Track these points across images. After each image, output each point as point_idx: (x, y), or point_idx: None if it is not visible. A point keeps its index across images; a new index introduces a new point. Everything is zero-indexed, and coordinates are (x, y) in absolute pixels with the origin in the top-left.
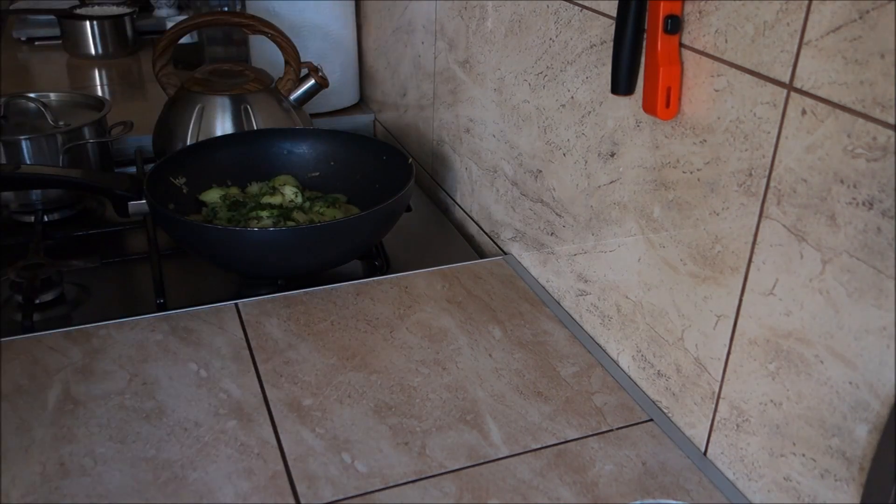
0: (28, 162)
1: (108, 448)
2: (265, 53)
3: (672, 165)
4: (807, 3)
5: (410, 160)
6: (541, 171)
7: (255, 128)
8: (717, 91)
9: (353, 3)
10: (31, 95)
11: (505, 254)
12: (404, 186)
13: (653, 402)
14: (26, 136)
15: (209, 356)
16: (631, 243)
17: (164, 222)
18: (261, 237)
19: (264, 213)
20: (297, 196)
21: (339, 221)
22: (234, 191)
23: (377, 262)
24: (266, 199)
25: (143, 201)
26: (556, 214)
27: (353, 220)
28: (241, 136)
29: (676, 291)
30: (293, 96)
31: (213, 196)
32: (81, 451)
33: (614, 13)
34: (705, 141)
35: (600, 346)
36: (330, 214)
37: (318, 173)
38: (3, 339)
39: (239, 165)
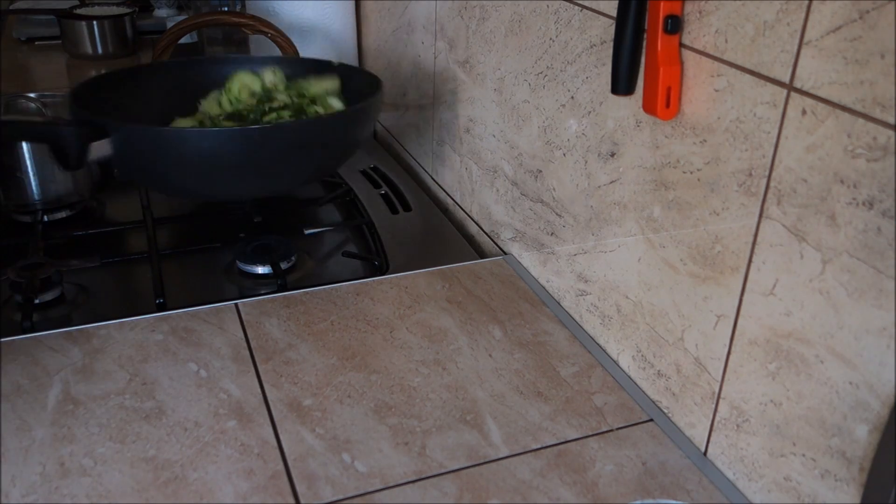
0: (28, 162)
1: (108, 448)
2: (265, 53)
3: (672, 165)
4: (807, 3)
5: (377, 78)
6: (541, 171)
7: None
8: (717, 91)
9: (353, 3)
10: (31, 95)
11: (505, 254)
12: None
13: (653, 402)
14: None
15: (209, 356)
16: (631, 243)
17: (127, 140)
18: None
19: (284, 113)
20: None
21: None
22: (201, 115)
23: (377, 262)
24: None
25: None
26: (556, 214)
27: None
28: (175, 64)
29: (676, 291)
30: None
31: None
32: (81, 451)
33: (614, 13)
34: (705, 141)
35: (600, 346)
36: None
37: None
38: (3, 339)
39: (174, 97)
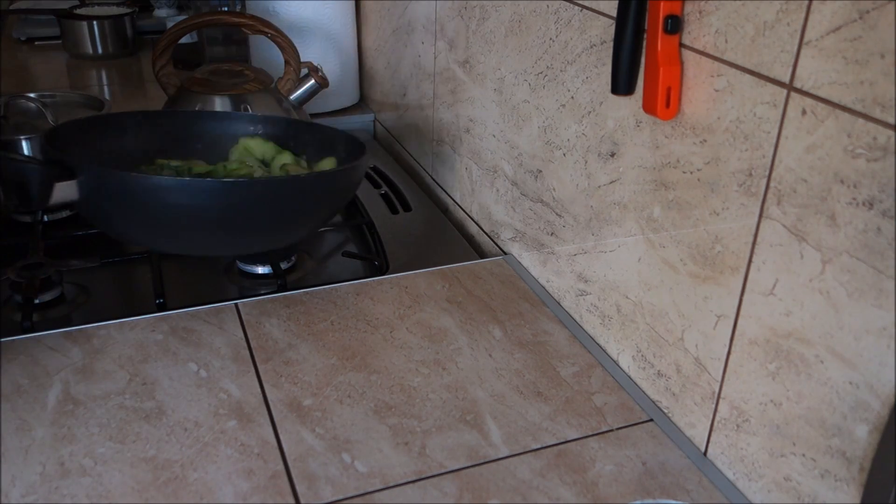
0: None
1: (108, 448)
2: (265, 53)
3: (672, 165)
4: (807, 3)
5: (361, 142)
6: (541, 171)
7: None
8: (717, 91)
9: (353, 3)
10: (31, 95)
11: (505, 254)
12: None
13: (653, 402)
14: (26, 136)
15: (209, 356)
16: (631, 243)
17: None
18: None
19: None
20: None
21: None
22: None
23: (377, 262)
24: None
25: (73, 181)
26: (556, 214)
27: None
28: (155, 115)
29: (676, 291)
30: (293, 96)
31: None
32: (81, 451)
33: (614, 13)
34: (705, 141)
35: (600, 346)
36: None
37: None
38: (3, 339)
39: (152, 149)
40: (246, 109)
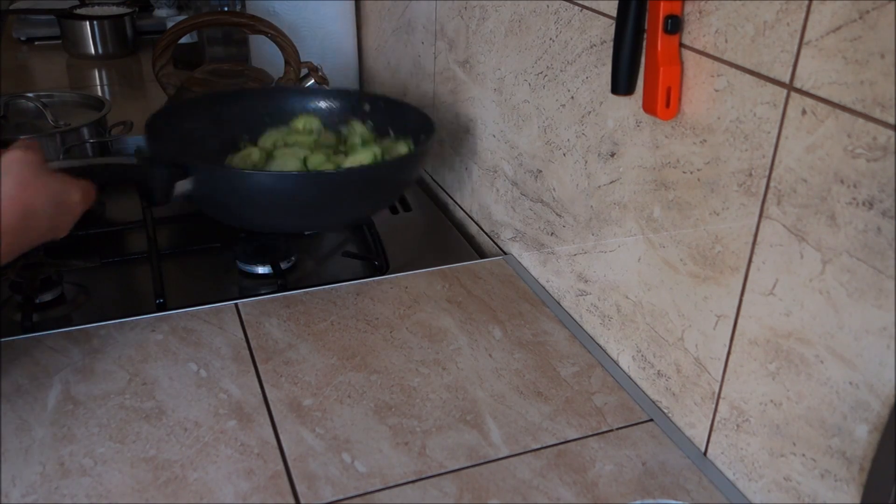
0: None
1: (108, 448)
2: (265, 53)
3: (672, 165)
4: (807, 3)
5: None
6: (541, 171)
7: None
8: (717, 91)
9: (353, 3)
10: (31, 95)
11: (505, 254)
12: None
13: (653, 402)
14: (26, 136)
15: (209, 356)
16: (631, 243)
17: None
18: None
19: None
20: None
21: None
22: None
23: (377, 262)
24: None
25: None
26: (556, 214)
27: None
28: (241, 94)
29: (676, 291)
30: None
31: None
32: (81, 451)
33: (614, 13)
34: (705, 141)
35: (600, 346)
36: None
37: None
38: (3, 339)
39: (241, 124)
40: None
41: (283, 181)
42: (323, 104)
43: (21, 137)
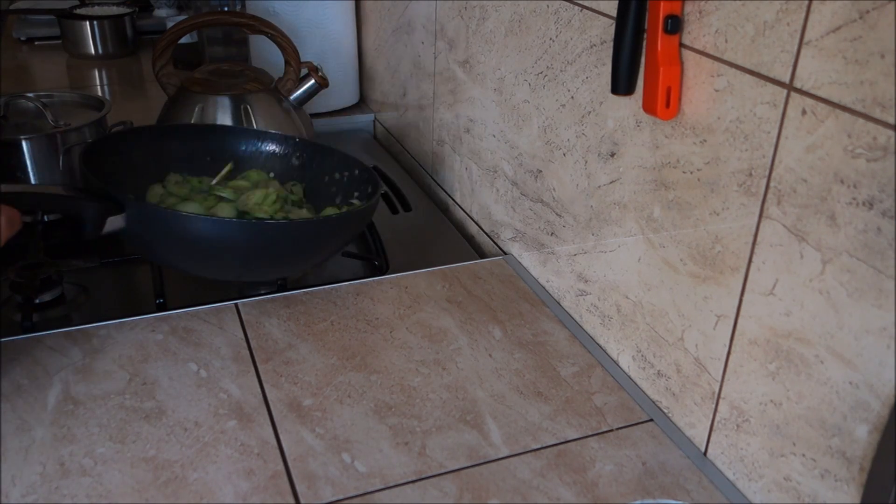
0: (28, 162)
1: (108, 448)
2: (265, 53)
3: (672, 165)
4: (807, 3)
5: (373, 170)
6: (541, 171)
7: (255, 128)
8: (717, 91)
9: (353, 3)
10: (31, 95)
11: (505, 254)
12: (371, 197)
13: (653, 402)
14: (26, 136)
15: (209, 356)
16: (631, 243)
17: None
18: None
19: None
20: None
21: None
22: (193, 182)
23: (377, 262)
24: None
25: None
26: (556, 214)
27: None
28: (187, 129)
29: (676, 291)
30: (293, 96)
31: (166, 184)
32: (81, 451)
33: (614, 13)
34: (705, 141)
35: (600, 346)
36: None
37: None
38: (3, 339)
39: (183, 160)
40: (246, 110)
41: (223, 227)
42: (269, 148)
43: (22, 138)
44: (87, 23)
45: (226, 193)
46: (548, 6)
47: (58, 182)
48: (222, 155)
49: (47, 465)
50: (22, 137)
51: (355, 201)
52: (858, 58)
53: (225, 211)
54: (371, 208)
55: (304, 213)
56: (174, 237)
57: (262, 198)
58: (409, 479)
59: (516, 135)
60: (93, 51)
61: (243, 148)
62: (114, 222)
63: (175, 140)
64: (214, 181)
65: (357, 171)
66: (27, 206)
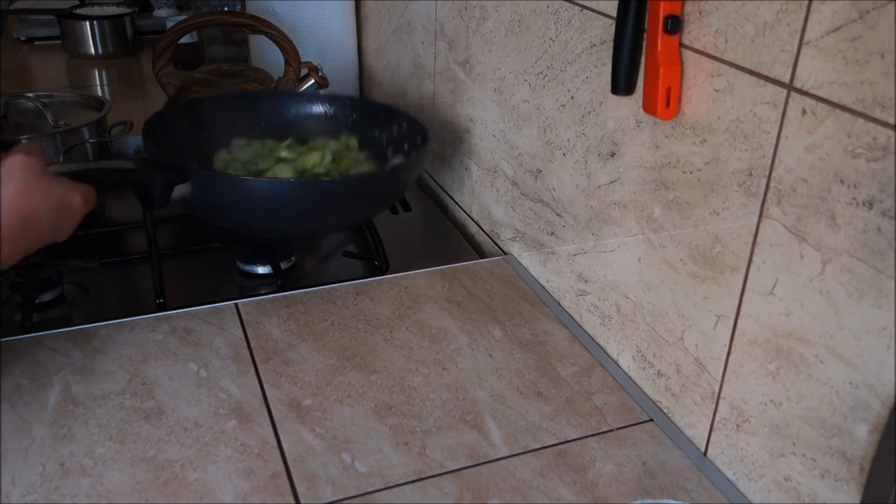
0: None
1: (108, 448)
2: (265, 53)
3: (672, 165)
4: (807, 3)
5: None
6: (541, 171)
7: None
8: (717, 91)
9: (353, 3)
10: (31, 95)
11: (505, 254)
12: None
13: (653, 402)
14: (26, 136)
15: (209, 356)
16: (631, 243)
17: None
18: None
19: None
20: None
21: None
22: (257, 146)
23: (377, 262)
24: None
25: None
26: (556, 214)
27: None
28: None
29: (676, 291)
30: None
31: (231, 150)
32: (81, 451)
33: (614, 13)
34: (705, 141)
35: (600, 346)
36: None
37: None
38: (3, 339)
39: (232, 126)
40: None
41: (281, 188)
42: (321, 109)
43: (22, 138)
44: (87, 23)
45: (286, 153)
46: (548, 6)
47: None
48: (278, 118)
49: (47, 465)
50: (22, 137)
51: (401, 155)
52: (858, 58)
53: (284, 172)
54: (419, 159)
55: (363, 167)
56: (237, 200)
57: (318, 159)
58: (409, 479)
59: (516, 135)
60: (93, 51)
61: (295, 111)
62: (180, 190)
63: (231, 108)
64: (280, 149)
65: (405, 124)
66: (96, 182)
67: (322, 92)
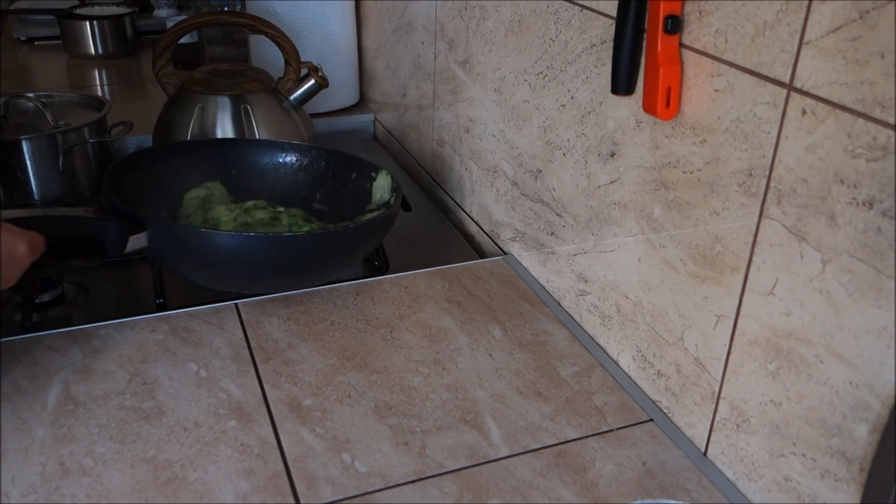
0: (28, 162)
1: (108, 448)
2: (265, 53)
3: (672, 165)
4: (807, 3)
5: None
6: (541, 171)
7: (255, 128)
8: (717, 91)
9: (353, 3)
10: (31, 95)
11: (505, 254)
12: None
13: (653, 402)
14: (26, 136)
15: (209, 356)
16: (631, 243)
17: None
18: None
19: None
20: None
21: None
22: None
23: (377, 262)
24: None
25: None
26: (556, 214)
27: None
28: (201, 144)
29: (676, 291)
30: (293, 96)
31: (193, 195)
32: (81, 451)
33: (614, 13)
34: (705, 141)
35: (600, 346)
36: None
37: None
38: (3, 339)
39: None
40: (246, 110)
41: (247, 243)
42: (289, 159)
43: (22, 139)
44: (87, 23)
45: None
46: (548, 6)
47: (58, 185)
48: (245, 166)
49: (47, 465)
50: (22, 137)
51: (374, 209)
52: (858, 58)
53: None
54: (390, 217)
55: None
56: (197, 253)
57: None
58: (409, 479)
59: (516, 135)
60: (93, 51)
61: (266, 161)
62: (136, 241)
63: (198, 153)
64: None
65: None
66: (45, 230)
67: (292, 141)
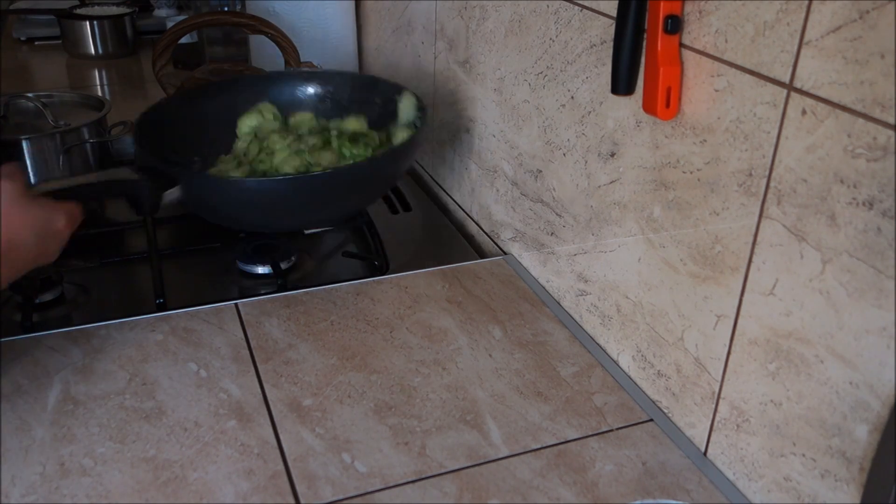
0: (28, 162)
1: (108, 448)
2: (265, 53)
3: (672, 165)
4: (807, 3)
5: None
6: (541, 171)
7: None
8: (717, 91)
9: (353, 3)
10: (31, 95)
11: (505, 254)
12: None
13: (653, 402)
14: (26, 136)
15: (209, 356)
16: (631, 243)
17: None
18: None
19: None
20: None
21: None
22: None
23: (377, 262)
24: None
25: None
26: (556, 214)
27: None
28: (231, 83)
29: (676, 291)
30: None
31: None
32: (81, 451)
33: (614, 13)
34: (705, 141)
35: (600, 346)
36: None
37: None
38: (3, 339)
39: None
40: None
41: (271, 186)
42: (312, 90)
43: (22, 139)
44: (87, 23)
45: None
46: (548, 6)
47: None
48: (280, 98)
49: (47, 465)
50: (22, 137)
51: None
52: (858, 58)
53: (290, 165)
54: (415, 140)
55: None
56: (230, 201)
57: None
58: (409, 479)
59: (516, 135)
60: (93, 51)
61: (297, 91)
62: (171, 195)
63: (231, 94)
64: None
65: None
66: (81, 198)
67: (311, 70)
